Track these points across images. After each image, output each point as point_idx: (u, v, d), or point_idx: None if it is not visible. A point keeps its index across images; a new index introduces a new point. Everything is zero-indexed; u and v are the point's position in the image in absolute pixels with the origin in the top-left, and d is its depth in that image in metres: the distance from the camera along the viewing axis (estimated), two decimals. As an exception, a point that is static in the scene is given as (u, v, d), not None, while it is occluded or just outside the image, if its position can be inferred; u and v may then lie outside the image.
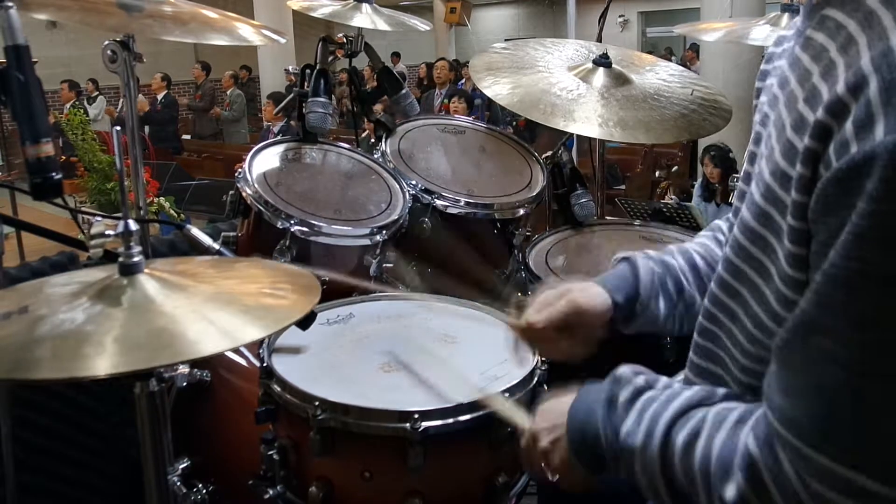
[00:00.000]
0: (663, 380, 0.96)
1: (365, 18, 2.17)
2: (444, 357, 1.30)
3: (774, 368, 0.79)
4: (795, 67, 0.84)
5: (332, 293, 1.43)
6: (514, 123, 7.06)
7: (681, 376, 1.05)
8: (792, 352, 0.76)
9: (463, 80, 8.85)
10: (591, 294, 1.19)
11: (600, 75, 2.01)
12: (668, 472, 0.87)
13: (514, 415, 1.13)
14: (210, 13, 1.71)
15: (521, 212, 2.00)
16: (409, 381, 1.23)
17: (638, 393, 0.94)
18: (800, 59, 0.84)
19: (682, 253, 1.24)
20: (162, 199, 4.40)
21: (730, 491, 0.80)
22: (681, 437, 0.86)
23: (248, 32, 1.77)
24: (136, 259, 1.03)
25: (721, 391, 0.91)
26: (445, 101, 7.03)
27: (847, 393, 0.70)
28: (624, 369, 0.98)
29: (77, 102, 8.90)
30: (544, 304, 1.21)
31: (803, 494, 0.74)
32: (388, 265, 1.90)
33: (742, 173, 1.01)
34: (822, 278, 0.71)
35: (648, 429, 0.89)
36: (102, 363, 0.86)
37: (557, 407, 1.03)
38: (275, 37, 1.81)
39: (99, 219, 1.08)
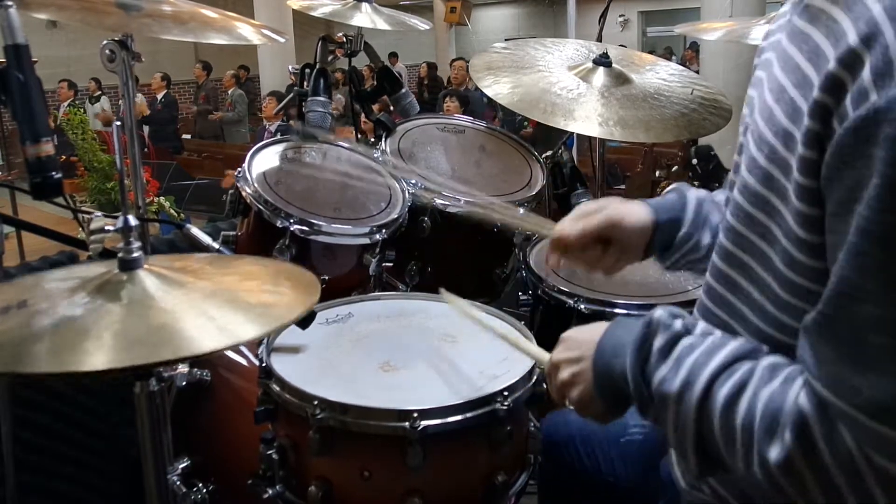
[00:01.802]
0: (702, 325, 0.91)
1: (365, 18, 2.17)
2: (444, 356, 1.30)
3: (813, 342, 0.75)
4: (791, 34, 0.84)
5: (332, 293, 1.43)
6: (526, 124, 7.04)
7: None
8: (835, 324, 0.73)
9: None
10: (631, 209, 1.16)
11: (600, 75, 2.01)
12: (702, 427, 0.83)
13: (534, 351, 1.12)
14: (210, 12, 1.71)
15: (522, 211, 1.99)
16: (408, 380, 1.23)
17: (675, 339, 0.88)
18: (796, 25, 0.84)
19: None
20: (162, 198, 4.40)
21: (774, 450, 0.76)
22: (724, 392, 0.81)
23: (247, 32, 1.77)
24: (135, 254, 1.03)
25: (764, 347, 0.86)
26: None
27: None
28: (660, 312, 0.92)
29: (76, 101, 8.88)
30: (581, 216, 1.17)
31: (862, 464, 0.71)
32: (387, 264, 1.90)
33: (732, 163, 1.00)
34: (857, 237, 0.69)
35: (687, 379, 0.84)
36: (101, 358, 0.86)
37: (584, 336, 1.00)
38: (274, 36, 1.81)
39: (99, 213, 1.08)
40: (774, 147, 0.81)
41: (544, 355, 1.09)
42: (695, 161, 4.50)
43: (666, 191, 1.21)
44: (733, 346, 0.86)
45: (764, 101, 0.86)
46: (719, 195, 1.21)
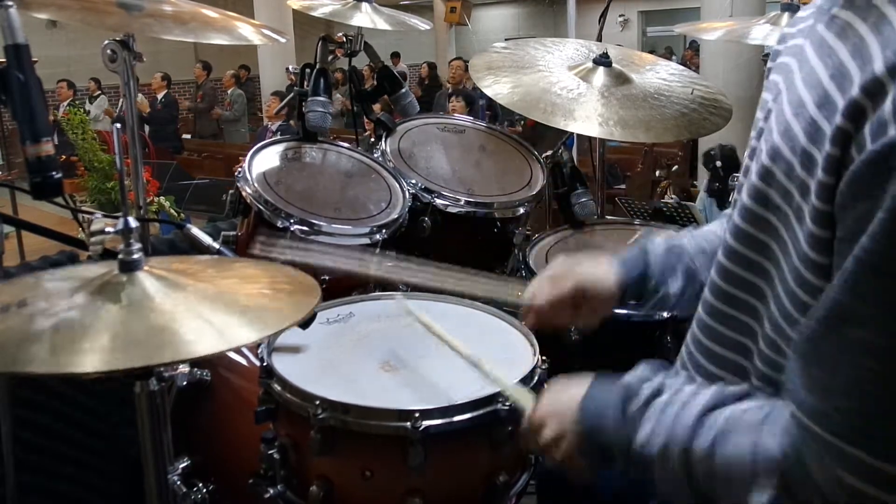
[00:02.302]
0: (673, 383, 0.94)
1: (365, 18, 2.17)
2: (445, 356, 1.30)
3: (799, 362, 0.77)
4: (817, 45, 0.83)
5: (332, 292, 1.43)
6: (523, 122, 7.04)
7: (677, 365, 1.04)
8: (822, 344, 0.74)
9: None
10: (599, 275, 1.20)
11: (600, 74, 2.01)
12: (689, 479, 0.86)
13: (519, 395, 1.13)
14: (210, 12, 1.71)
15: (521, 211, 2.00)
16: (409, 380, 1.23)
17: (649, 400, 0.92)
18: (822, 35, 0.82)
19: (692, 237, 1.24)
20: (162, 198, 4.40)
21: (763, 497, 0.78)
22: (701, 444, 0.84)
23: (248, 32, 1.77)
24: (135, 256, 1.03)
25: (735, 389, 0.89)
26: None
27: (884, 385, 0.68)
28: (632, 376, 0.96)
29: (76, 101, 8.88)
30: (551, 281, 1.22)
31: (835, 489, 0.72)
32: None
33: (742, 168, 1.00)
34: (855, 265, 0.69)
35: (666, 438, 0.87)
36: (99, 359, 0.86)
37: (565, 397, 1.02)
38: (275, 36, 1.81)
39: (99, 215, 1.08)
40: (792, 164, 0.81)
41: (528, 404, 1.10)
42: (718, 163, 4.49)
43: (630, 244, 1.25)
44: (702, 399, 0.88)
45: (781, 111, 0.86)
46: (685, 235, 1.25)
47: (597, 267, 1.22)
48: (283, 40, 1.87)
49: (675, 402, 0.90)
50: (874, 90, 0.69)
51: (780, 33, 1.04)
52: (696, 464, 0.85)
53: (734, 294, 0.94)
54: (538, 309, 1.22)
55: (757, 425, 0.81)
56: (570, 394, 1.02)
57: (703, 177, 5.02)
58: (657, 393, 0.93)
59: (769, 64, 1.05)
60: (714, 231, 1.24)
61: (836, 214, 0.74)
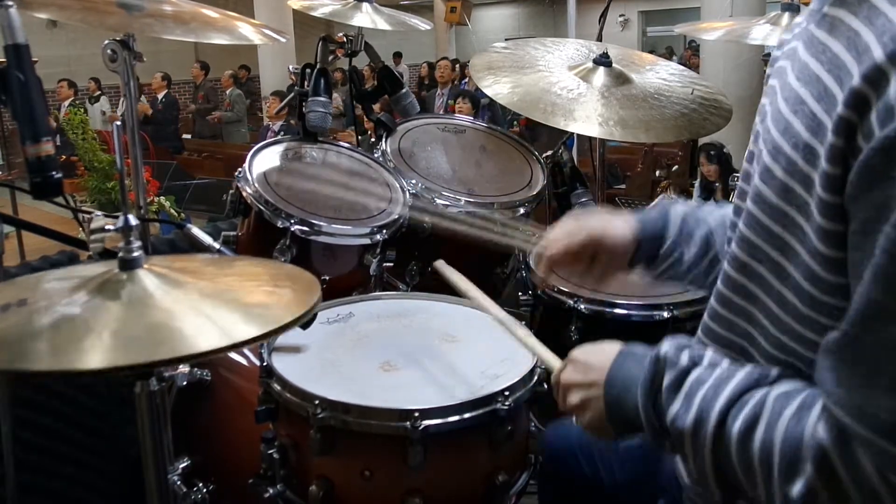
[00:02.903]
0: (709, 354, 0.92)
1: (365, 18, 2.17)
2: (445, 356, 1.30)
3: (835, 363, 0.75)
4: (808, 43, 0.83)
5: (333, 292, 1.43)
6: (515, 123, 7.06)
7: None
8: (858, 345, 0.73)
9: (466, 80, 8.86)
10: (614, 225, 1.18)
11: (601, 74, 2.01)
12: (719, 460, 0.84)
13: (543, 353, 1.13)
14: (210, 12, 1.71)
15: (522, 211, 2.00)
16: (409, 379, 1.23)
17: (684, 374, 0.89)
18: (814, 34, 0.83)
19: (714, 211, 1.21)
20: (162, 198, 4.40)
21: (797, 484, 0.76)
22: (737, 426, 0.82)
23: (248, 31, 1.77)
24: (135, 254, 1.03)
25: (775, 371, 0.87)
26: (450, 101, 7.04)
27: None
28: (667, 347, 0.93)
29: (76, 101, 8.89)
30: (564, 234, 1.20)
31: (882, 488, 0.71)
32: (388, 264, 1.90)
33: (742, 172, 1.00)
34: (883, 259, 0.68)
35: (699, 415, 0.85)
36: (100, 357, 0.85)
37: (593, 361, 1.01)
38: (275, 36, 1.81)
39: (99, 213, 1.08)
40: (793, 160, 0.80)
41: (554, 362, 1.10)
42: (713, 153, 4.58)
43: (650, 206, 1.25)
44: (740, 377, 0.86)
45: (778, 110, 0.86)
46: (708, 207, 1.22)
47: (612, 219, 1.19)
48: (283, 40, 1.87)
49: (711, 378, 0.87)
50: (876, 78, 0.69)
51: (779, 37, 1.04)
52: (729, 446, 0.83)
53: (732, 299, 0.94)
54: (552, 256, 1.20)
55: (801, 409, 0.79)
56: (598, 356, 1.01)
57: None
58: (693, 364, 0.90)
59: (768, 70, 1.05)
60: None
61: (848, 206, 0.73)
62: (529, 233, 1.33)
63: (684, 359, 0.91)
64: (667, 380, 0.90)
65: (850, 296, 0.75)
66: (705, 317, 1.02)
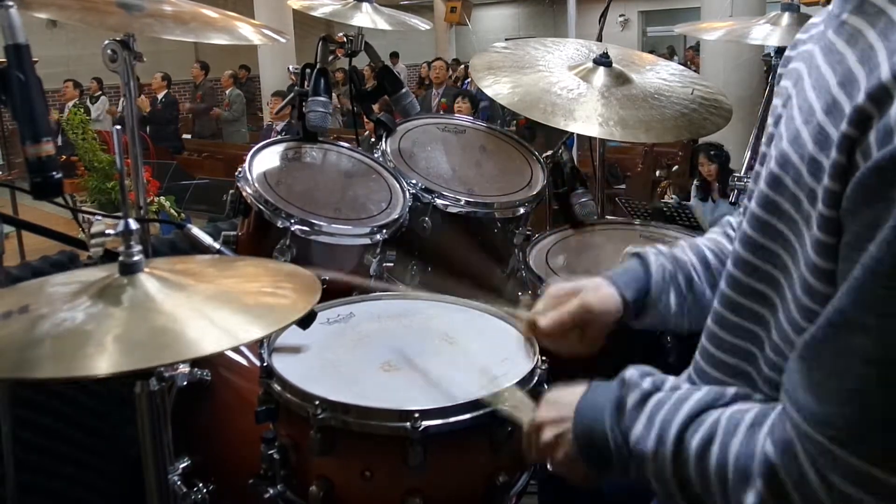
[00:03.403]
0: (671, 380, 0.95)
1: (365, 18, 2.17)
2: (445, 356, 1.30)
3: (800, 365, 0.77)
4: (826, 50, 0.83)
5: (333, 293, 1.43)
6: (514, 122, 7.07)
7: (685, 375, 1.05)
8: (823, 350, 0.74)
9: (468, 80, 8.86)
10: (603, 295, 1.19)
11: (601, 74, 2.01)
12: (682, 478, 0.86)
13: (520, 406, 1.13)
14: (210, 12, 1.71)
15: (522, 211, 2.00)
16: (409, 380, 1.23)
17: (646, 396, 0.93)
18: (832, 42, 0.82)
19: (693, 248, 1.23)
20: (162, 198, 4.40)
21: (749, 499, 0.79)
22: (694, 443, 0.85)
23: (248, 31, 1.77)
24: (136, 258, 1.03)
25: (731, 391, 0.90)
26: (444, 100, 7.04)
27: (882, 394, 0.69)
28: (631, 372, 0.97)
29: (79, 101, 8.90)
30: (555, 303, 1.21)
31: (824, 494, 0.73)
32: (388, 264, 1.90)
33: (753, 173, 1.00)
34: (861, 273, 0.69)
35: (659, 434, 0.88)
36: (103, 362, 0.86)
37: (564, 399, 1.03)
38: (275, 36, 1.81)
39: (99, 217, 1.08)
40: (800, 171, 0.81)
41: (525, 413, 1.11)
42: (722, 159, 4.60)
43: (626, 254, 1.26)
44: (698, 396, 0.89)
45: (791, 117, 0.86)
46: (682, 244, 1.25)
47: (598, 290, 1.20)
48: (283, 40, 1.87)
49: (670, 399, 0.90)
50: (880, 97, 0.69)
51: (793, 39, 1.03)
52: (687, 462, 0.85)
53: (742, 303, 0.94)
54: (542, 330, 1.22)
55: (751, 427, 0.82)
56: (567, 395, 1.03)
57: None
58: (655, 389, 0.93)
59: (780, 69, 1.05)
60: (715, 239, 1.24)
61: (843, 220, 0.74)
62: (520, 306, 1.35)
63: (646, 383, 0.94)
64: (630, 400, 0.93)
65: None
66: (703, 340, 1.02)
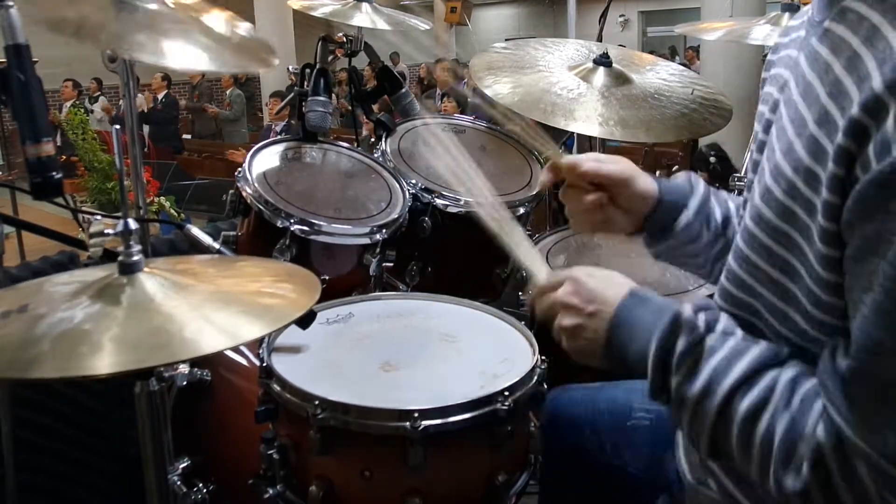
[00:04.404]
0: (724, 320, 0.90)
1: (365, 18, 2.17)
2: (444, 356, 1.30)
3: (842, 386, 0.75)
4: (811, 58, 0.83)
5: (333, 293, 1.43)
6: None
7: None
8: (864, 376, 0.74)
9: (465, 80, 8.84)
10: (643, 175, 1.12)
11: (601, 75, 2.01)
12: (717, 433, 0.85)
13: (532, 261, 1.09)
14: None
15: (522, 211, 2.00)
16: (408, 380, 1.23)
17: (697, 341, 0.88)
18: (816, 49, 0.82)
19: (734, 200, 1.19)
20: (162, 198, 4.40)
21: (791, 479, 0.77)
22: (744, 405, 0.82)
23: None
24: (135, 258, 1.03)
25: (786, 350, 0.86)
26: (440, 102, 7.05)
27: None
28: (687, 310, 0.91)
29: (78, 102, 8.90)
30: (595, 159, 1.13)
31: (873, 490, 0.72)
32: (387, 264, 1.90)
33: (746, 181, 0.99)
34: (881, 295, 0.69)
35: (707, 385, 0.85)
36: (102, 362, 0.86)
37: (600, 290, 0.98)
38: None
39: (98, 217, 1.08)
40: (794, 183, 0.80)
41: (540, 272, 1.06)
42: (713, 159, 4.55)
43: (676, 175, 1.18)
44: (754, 353, 0.86)
45: (783, 128, 0.85)
46: (724, 194, 1.20)
47: (641, 171, 1.13)
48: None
49: (723, 348, 0.87)
50: (875, 108, 0.69)
51: (774, 42, 1.03)
52: (731, 423, 0.83)
53: (738, 314, 0.94)
54: (575, 168, 1.11)
55: (805, 401, 0.80)
56: (604, 288, 0.98)
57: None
58: (708, 330, 0.89)
59: (763, 74, 1.04)
60: None
61: (844, 232, 0.73)
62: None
63: (700, 322, 0.89)
64: (680, 343, 0.88)
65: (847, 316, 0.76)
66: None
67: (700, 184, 1.16)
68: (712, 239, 1.14)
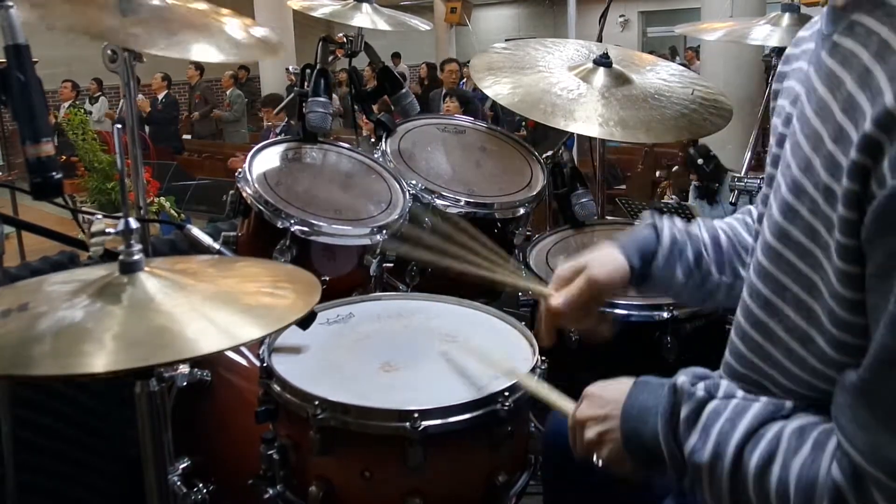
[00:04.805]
0: (724, 385, 0.92)
1: (365, 18, 2.17)
2: (445, 356, 1.30)
3: (852, 403, 0.76)
4: (822, 72, 0.83)
5: (333, 293, 1.43)
6: (525, 124, 7.04)
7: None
8: (875, 390, 0.73)
9: (464, 80, 8.84)
10: (608, 266, 1.17)
11: (601, 75, 2.01)
12: (737, 494, 0.85)
13: (550, 395, 1.13)
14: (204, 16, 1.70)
15: (522, 211, 2.00)
16: (408, 380, 1.23)
17: (701, 406, 0.90)
18: (826, 64, 0.82)
19: (708, 227, 1.22)
20: (162, 198, 4.40)
21: None
22: (754, 460, 0.83)
23: (237, 32, 1.76)
24: (136, 257, 1.03)
25: (789, 404, 0.88)
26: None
27: None
28: (682, 378, 0.94)
29: (77, 102, 8.90)
30: (563, 283, 1.20)
31: None
32: (388, 265, 1.90)
33: (760, 195, 1.00)
34: (895, 307, 0.68)
35: (716, 449, 0.86)
36: (102, 361, 0.86)
37: (607, 395, 1.02)
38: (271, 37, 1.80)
39: (99, 216, 1.08)
40: (816, 200, 0.80)
41: (567, 406, 1.10)
42: (700, 161, 4.56)
43: (640, 224, 1.24)
44: (756, 409, 0.87)
45: (797, 143, 0.85)
46: (698, 223, 1.23)
47: (603, 259, 1.19)
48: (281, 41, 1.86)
49: (727, 410, 0.88)
50: (888, 124, 0.69)
51: (793, 39, 1.03)
52: (746, 479, 0.84)
53: (753, 336, 0.95)
54: (561, 315, 1.20)
55: (814, 447, 0.80)
56: (611, 391, 1.01)
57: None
58: (709, 396, 0.91)
59: (775, 86, 1.04)
60: (732, 224, 1.23)
61: (865, 248, 0.73)
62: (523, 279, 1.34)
63: (700, 390, 0.92)
64: (684, 411, 0.91)
65: (868, 336, 0.75)
66: (727, 354, 1.01)
67: (665, 230, 1.20)
68: (684, 279, 1.19)
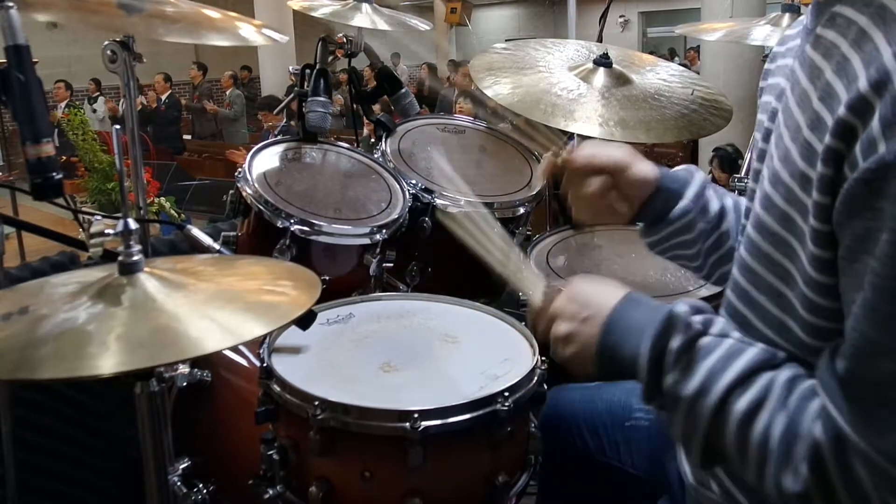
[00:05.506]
0: (719, 323, 0.90)
1: (365, 18, 2.17)
2: (445, 356, 1.30)
3: (841, 388, 0.75)
4: (805, 65, 0.83)
5: (333, 293, 1.43)
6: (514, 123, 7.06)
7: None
8: (860, 378, 0.73)
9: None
10: (641, 161, 1.14)
11: (601, 75, 2.01)
12: (712, 434, 0.84)
13: (528, 280, 1.10)
14: (211, 13, 1.71)
15: (522, 211, 2.00)
16: (408, 380, 1.23)
17: (693, 340, 0.87)
18: (810, 56, 0.83)
19: (732, 195, 1.20)
20: (162, 199, 4.40)
21: (789, 480, 0.77)
22: (741, 405, 0.82)
23: (249, 32, 1.77)
24: (135, 258, 1.03)
25: (782, 354, 0.86)
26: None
27: None
28: (681, 307, 0.90)
29: (75, 102, 8.91)
30: (594, 146, 1.15)
31: (871, 489, 0.72)
32: (387, 265, 1.90)
33: (751, 172, 1.00)
34: (871, 293, 0.69)
35: (702, 385, 0.84)
36: (105, 362, 0.86)
37: (591, 298, 0.98)
38: (276, 36, 1.81)
39: (98, 217, 1.08)
40: (791, 188, 0.81)
41: (536, 288, 1.06)
42: (736, 159, 4.60)
43: (676, 169, 1.19)
44: (751, 354, 0.85)
45: (780, 136, 0.86)
46: (723, 190, 1.21)
47: (640, 157, 1.15)
48: (284, 39, 1.86)
49: (719, 349, 0.86)
50: (861, 108, 0.70)
51: (771, 51, 1.04)
52: (727, 423, 0.82)
53: (743, 313, 0.94)
54: (572, 159, 1.14)
55: (803, 400, 0.79)
56: (598, 294, 0.98)
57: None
58: (704, 330, 0.88)
59: (761, 83, 1.05)
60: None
61: (836, 233, 0.74)
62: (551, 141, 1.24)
63: (697, 323, 0.89)
64: (676, 341, 0.88)
65: (842, 319, 0.76)
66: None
67: (698, 174, 1.16)
68: (707, 230, 1.15)
